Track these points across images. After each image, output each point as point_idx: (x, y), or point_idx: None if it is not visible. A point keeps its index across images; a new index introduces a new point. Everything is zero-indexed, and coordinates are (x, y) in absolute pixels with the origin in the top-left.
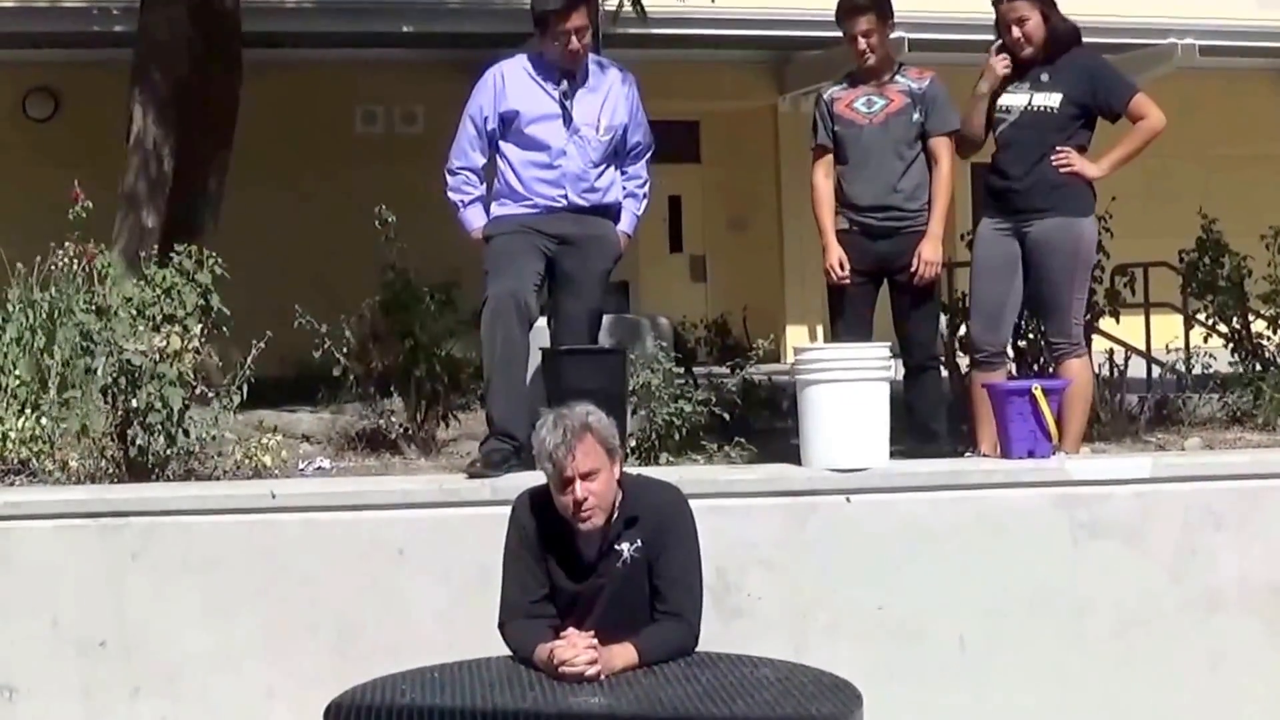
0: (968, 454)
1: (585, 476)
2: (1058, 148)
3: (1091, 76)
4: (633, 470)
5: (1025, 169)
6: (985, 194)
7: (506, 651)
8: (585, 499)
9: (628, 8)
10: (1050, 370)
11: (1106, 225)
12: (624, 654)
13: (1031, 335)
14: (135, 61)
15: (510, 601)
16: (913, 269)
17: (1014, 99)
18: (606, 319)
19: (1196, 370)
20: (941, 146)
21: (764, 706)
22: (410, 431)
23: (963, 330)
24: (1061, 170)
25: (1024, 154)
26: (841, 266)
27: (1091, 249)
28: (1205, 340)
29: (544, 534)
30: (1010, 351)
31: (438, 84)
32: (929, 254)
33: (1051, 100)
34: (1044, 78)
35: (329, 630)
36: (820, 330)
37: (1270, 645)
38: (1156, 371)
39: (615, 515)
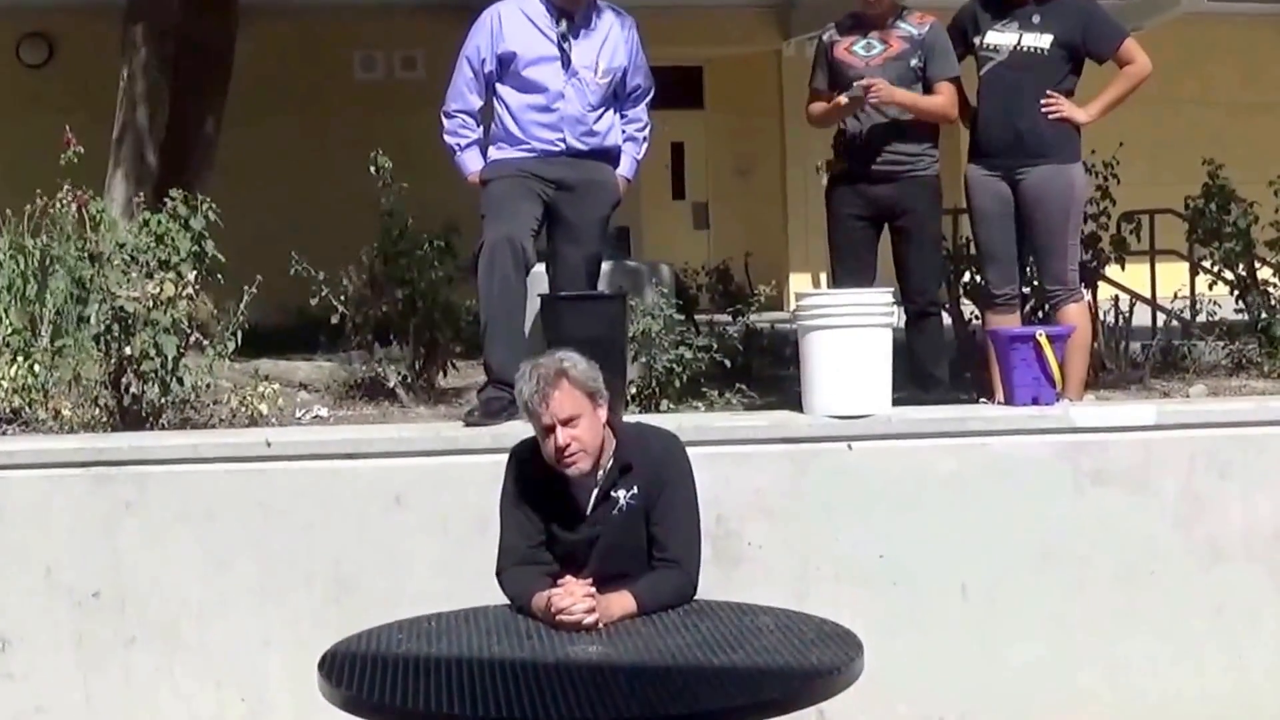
0: (983, 401)
1: (566, 423)
2: (1048, 93)
3: (1083, 19)
4: (631, 417)
5: (1014, 115)
6: (972, 139)
7: (504, 601)
8: (567, 445)
9: None
10: (1042, 316)
11: (1114, 172)
12: (622, 602)
13: (1036, 282)
14: (129, 6)
15: (507, 549)
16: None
17: (1002, 38)
18: (607, 265)
19: (1201, 317)
20: (943, 89)
21: (764, 655)
22: (409, 380)
23: (966, 277)
24: (1051, 117)
25: (1012, 98)
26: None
27: (1083, 194)
28: (1210, 287)
29: (539, 483)
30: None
31: (438, 28)
32: (882, 88)
33: (1042, 41)
34: (1035, 19)
35: (325, 579)
36: (823, 278)
37: (1275, 594)
38: (1161, 319)
39: (611, 463)
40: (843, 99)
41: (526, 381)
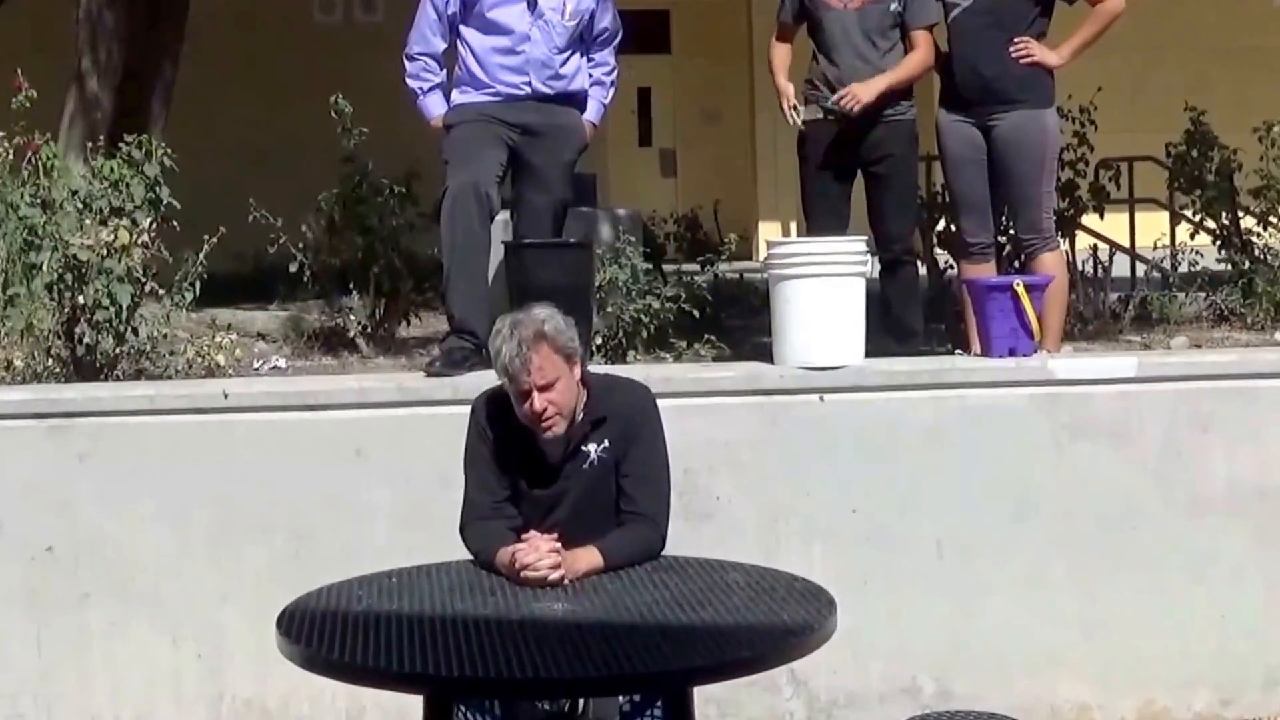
0: (959, 352)
1: (543, 389)
2: (1016, 38)
3: None
4: (599, 368)
5: (984, 60)
6: (943, 86)
7: (467, 556)
8: (545, 409)
9: None
10: (1017, 265)
11: (1091, 118)
12: (588, 558)
13: (1012, 231)
14: None
15: (471, 503)
16: (837, 95)
17: None
18: (571, 212)
19: (1183, 268)
20: (920, 39)
21: (733, 612)
22: (369, 329)
23: (940, 225)
24: (1022, 61)
25: (982, 44)
26: (796, 110)
27: (1056, 140)
28: (1192, 237)
29: (506, 436)
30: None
31: None
32: (860, 90)
33: None
34: None
35: (283, 533)
36: (794, 227)
37: (1257, 549)
38: (1141, 269)
39: (581, 416)
40: (798, 116)
41: (506, 342)
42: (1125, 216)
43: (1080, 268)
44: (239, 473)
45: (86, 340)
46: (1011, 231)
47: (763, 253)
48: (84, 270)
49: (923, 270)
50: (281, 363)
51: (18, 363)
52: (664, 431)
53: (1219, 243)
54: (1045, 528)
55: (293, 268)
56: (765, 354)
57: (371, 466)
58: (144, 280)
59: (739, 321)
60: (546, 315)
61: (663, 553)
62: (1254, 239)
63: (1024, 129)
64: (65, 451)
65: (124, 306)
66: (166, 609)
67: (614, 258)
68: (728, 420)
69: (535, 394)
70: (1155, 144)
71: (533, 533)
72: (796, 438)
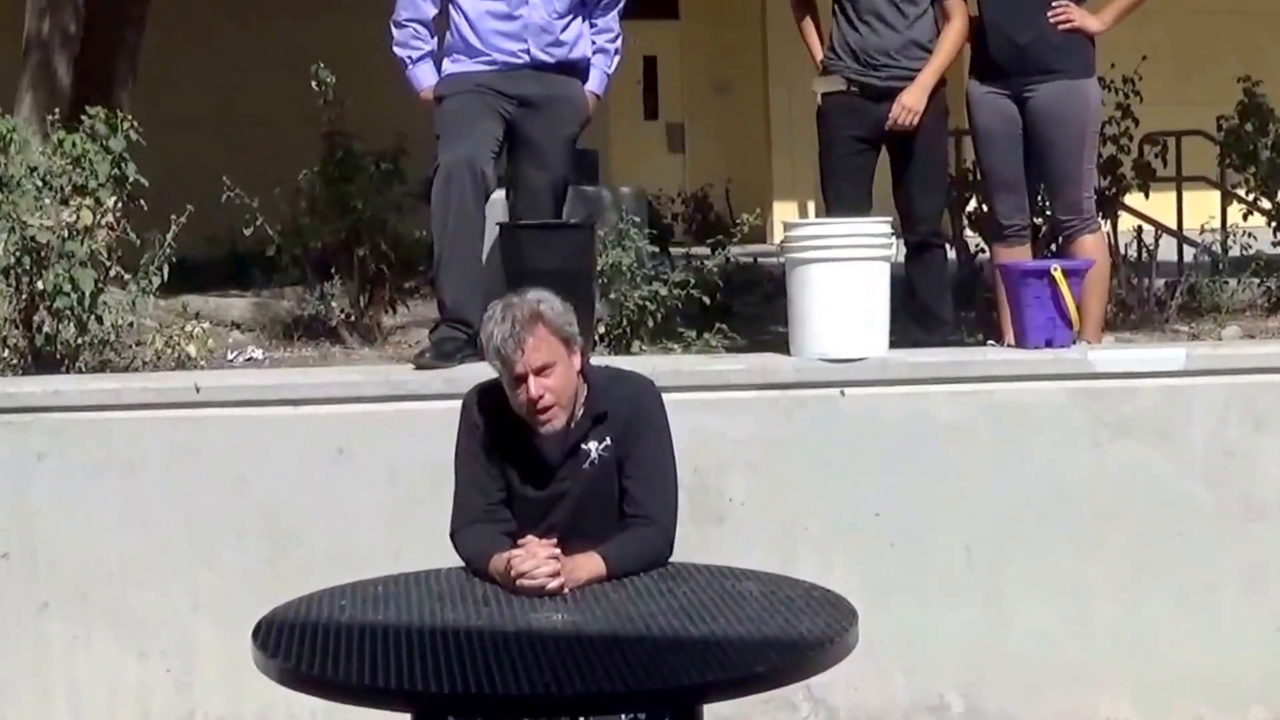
0: (990, 343)
1: (539, 372)
2: (1054, 2)
3: None
4: (601, 360)
5: (1019, 26)
6: (974, 55)
7: (459, 562)
8: (541, 396)
9: None
10: (1054, 248)
11: (1135, 89)
12: (590, 565)
13: (1049, 211)
14: None
15: (463, 506)
16: (891, 115)
17: None
18: (572, 191)
19: (1235, 251)
20: (955, 8)
21: (747, 624)
22: (352, 318)
23: (971, 205)
24: (1060, 27)
25: (1017, 8)
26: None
27: (1098, 113)
28: (1245, 218)
29: (500, 433)
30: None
31: None
32: (910, 100)
33: None
34: None
35: (260, 538)
36: (811, 207)
37: None
38: (1190, 253)
39: (581, 412)
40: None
41: (499, 324)
42: (1172, 196)
43: (1123, 251)
44: (211, 472)
45: (46, 329)
46: (1049, 212)
47: (778, 235)
48: (43, 253)
49: (952, 254)
50: (258, 354)
51: None
52: (670, 428)
53: (1274, 224)
54: (1083, 533)
55: (270, 251)
56: (781, 344)
57: (355, 465)
58: (108, 264)
59: (753, 309)
60: (542, 297)
61: (670, 559)
62: None
63: (1062, 101)
64: (22, 449)
65: (86, 293)
66: (132, 619)
67: (618, 240)
68: (740, 416)
69: (531, 379)
70: (1205, 117)
71: (530, 538)
72: (815, 435)
